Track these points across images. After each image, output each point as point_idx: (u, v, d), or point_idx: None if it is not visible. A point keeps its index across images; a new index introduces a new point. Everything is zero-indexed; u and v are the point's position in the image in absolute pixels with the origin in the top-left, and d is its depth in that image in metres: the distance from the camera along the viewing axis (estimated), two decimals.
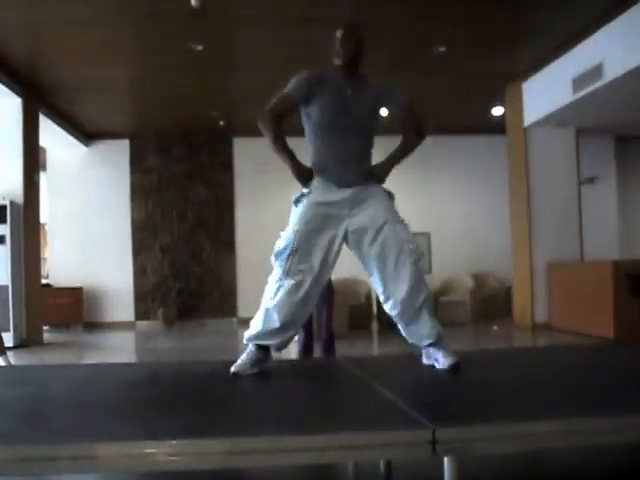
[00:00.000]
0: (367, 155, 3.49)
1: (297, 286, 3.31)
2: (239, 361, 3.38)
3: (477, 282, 12.29)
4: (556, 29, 8.29)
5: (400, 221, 3.41)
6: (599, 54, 8.18)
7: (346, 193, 3.35)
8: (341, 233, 3.36)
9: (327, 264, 3.38)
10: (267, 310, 3.37)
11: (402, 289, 3.35)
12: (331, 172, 3.39)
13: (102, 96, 10.38)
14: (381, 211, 3.37)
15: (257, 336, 3.40)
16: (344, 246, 3.45)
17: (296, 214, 3.38)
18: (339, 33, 3.46)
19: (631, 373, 3.38)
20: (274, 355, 3.59)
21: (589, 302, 9.06)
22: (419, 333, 3.45)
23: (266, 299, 3.39)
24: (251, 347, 3.43)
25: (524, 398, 2.85)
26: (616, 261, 9.08)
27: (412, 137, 3.53)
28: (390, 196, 3.48)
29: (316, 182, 3.40)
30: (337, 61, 3.46)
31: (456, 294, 12.11)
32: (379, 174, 3.47)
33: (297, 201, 3.41)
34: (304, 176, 3.38)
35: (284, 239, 3.33)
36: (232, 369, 3.33)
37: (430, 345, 3.45)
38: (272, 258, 3.38)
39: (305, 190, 3.42)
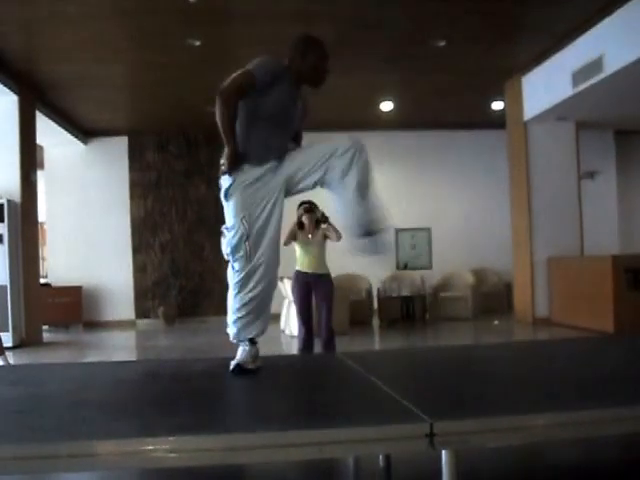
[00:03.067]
0: (290, 135, 3.57)
1: (261, 270, 3.34)
2: (238, 357, 3.35)
3: (477, 277, 12.33)
4: (556, 23, 8.28)
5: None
6: (599, 47, 8.17)
7: (268, 165, 3.36)
8: (281, 195, 3.40)
9: (278, 232, 3.43)
10: (238, 306, 3.38)
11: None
12: (256, 157, 3.34)
13: (99, 93, 10.36)
14: (301, 152, 3.48)
15: (240, 332, 3.39)
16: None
17: (233, 205, 3.33)
18: (317, 48, 3.48)
19: (629, 366, 3.40)
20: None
21: (589, 297, 9.10)
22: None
23: (233, 295, 3.40)
24: (244, 343, 3.41)
25: (522, 391, 2.88)
26: (616, 256, 9.14)
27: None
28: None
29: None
30: (300, 67, 3.47)
31: (457, 290, 12.11)
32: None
33: (226, 195, 3.37)
34: (238, 162, 3.31)
35: (234, 232, 3.32)
36: (232, 365, 3.31)
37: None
38: (229, 257, 3.37)
39: (226, 181, 3.34)
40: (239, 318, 3.38)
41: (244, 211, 3.29)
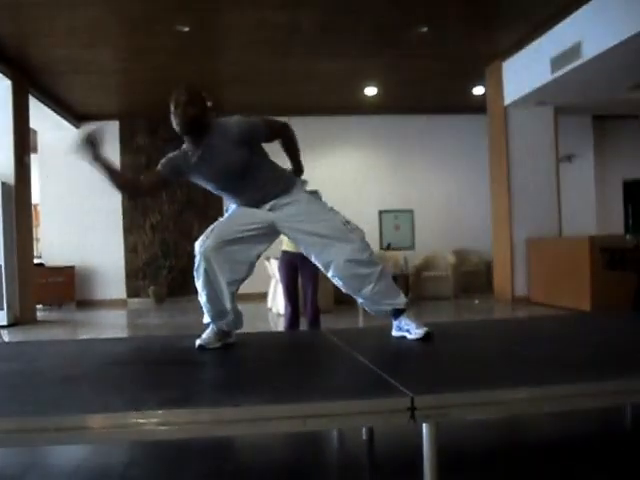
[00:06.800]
0: (267, 179, 3.50)
1: (202, 263, 3.46)
2: (204, 335, 3.50)
3: (459, 258, 12.58)
4: (535, 10, 8.44)
5: (332, 216, 3.52)
6: (577, 34, 8.33)
7: (266, 206, 3.51)
8: (265, 223, 3.49)
9: (243, 247, 3.47)
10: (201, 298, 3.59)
11: (353, 282, 3.50)
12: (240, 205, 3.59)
13: (91, 78, 10.46)
14: (312, 211, 3.52)
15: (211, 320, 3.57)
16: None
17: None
18: (171, 106, 3.29)
19: (605, 343, 3.45)
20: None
21: (567, 276, 9.29)
22: (384, 304, 3.55)
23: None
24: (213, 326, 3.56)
25: (500, 367, 2.92)
26: (592, 236, 9.31)
27: (284, 138, 3.61)
28: (315, 195, 3.65)
29: None
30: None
31: (439, 269, 12.38)
32: (297, 172, 3.70)
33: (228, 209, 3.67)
34: None
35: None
36: (197, 342, 3.44)
37: (400, 312, 3.54)
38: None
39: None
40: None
41: (224, 217, 3.56)
